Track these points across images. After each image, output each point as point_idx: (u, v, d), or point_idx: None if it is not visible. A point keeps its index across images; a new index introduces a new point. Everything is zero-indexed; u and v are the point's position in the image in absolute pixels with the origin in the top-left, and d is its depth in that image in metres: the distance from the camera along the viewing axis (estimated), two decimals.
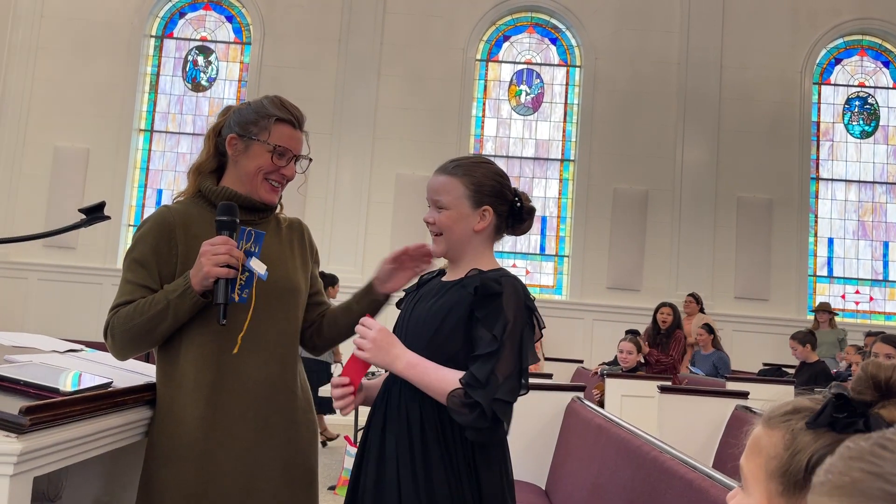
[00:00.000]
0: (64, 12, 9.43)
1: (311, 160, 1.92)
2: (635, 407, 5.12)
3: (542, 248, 9.45)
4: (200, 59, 9.70)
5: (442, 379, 1.57)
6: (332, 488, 5.09)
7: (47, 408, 1.30)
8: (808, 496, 0.69)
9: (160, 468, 1.70)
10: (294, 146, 1.85)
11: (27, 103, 9.28)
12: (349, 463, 5.14)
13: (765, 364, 8.07)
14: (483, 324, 1.59)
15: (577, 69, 9.68)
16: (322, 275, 8.06)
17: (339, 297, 8.15)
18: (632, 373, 5.95)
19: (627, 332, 6.86)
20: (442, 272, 1.86)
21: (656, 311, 7.05)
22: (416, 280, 1.93)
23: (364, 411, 6.68)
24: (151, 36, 9.65)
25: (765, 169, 9.31)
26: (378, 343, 1.60)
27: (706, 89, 9.35)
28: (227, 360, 1.73)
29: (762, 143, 9.34)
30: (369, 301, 1.95)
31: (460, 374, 1.56)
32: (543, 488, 3.51)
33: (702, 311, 8.43)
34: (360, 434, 6.55)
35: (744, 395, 4.24)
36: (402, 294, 1.92)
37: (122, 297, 1.75)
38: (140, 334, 1.70)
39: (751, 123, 9.36)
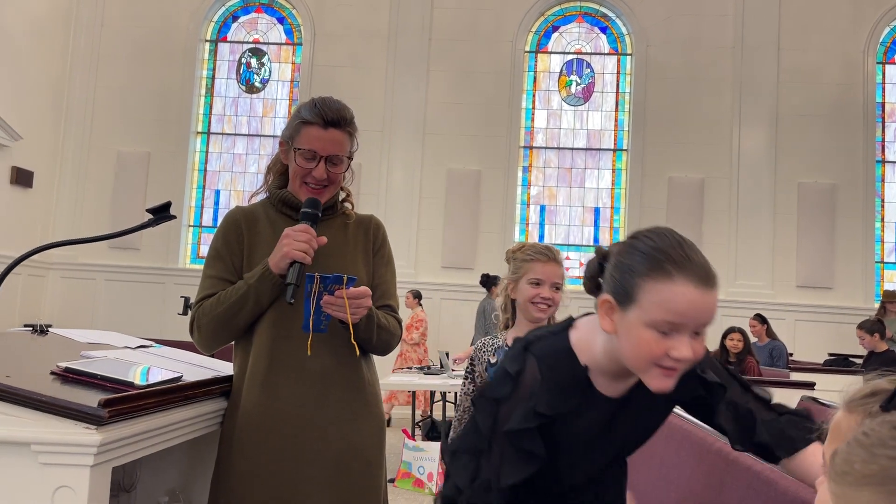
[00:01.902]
0: (123, 21, 9.74)
1: (350, 159, 1.89)
2: None
3: (596, 240, 9.34)
4: (254, 61, 9.90)
5: None
6: (392, 481, 5.14)
7: (124, 400, 1.35)
8: (829, 485, 0.67)
9: (224, 449, 1.80)
10: (320, 147, 1.82)
11: (91, 110, 9.62)
12: (407, 455, 5.19)
13: (830, 354, 7.83)
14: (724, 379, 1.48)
15: (629, 57, 9.53)
16: (486, 276, 8.43)
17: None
18: None
19: None
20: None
21: (725, 336, 6.65)
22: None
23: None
24: (206, 40, 9.88)
25: (827, 153, 9.00)
26: None
27: (763, 73, 9.09)
28: (279, 347, 1.79)
29: (823, 127, 9.04)
30: None
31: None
32: None
33: None
34: (417, 428, 6.61)
35: (810, 385, 4.13)
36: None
37: (203, 292, 1.83)
38: (224, 322, 1.78)
39: (811, 106, 9.07)
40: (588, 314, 1.42)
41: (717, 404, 1.44)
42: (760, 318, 7.53)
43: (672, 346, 1.21)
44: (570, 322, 1.41)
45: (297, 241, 1.72)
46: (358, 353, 1.79)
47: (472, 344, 7.15)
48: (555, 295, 2.36)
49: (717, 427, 1.47)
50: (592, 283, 1.36)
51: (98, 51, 9.69)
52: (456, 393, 6.76)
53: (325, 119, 1.82)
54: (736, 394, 1.46)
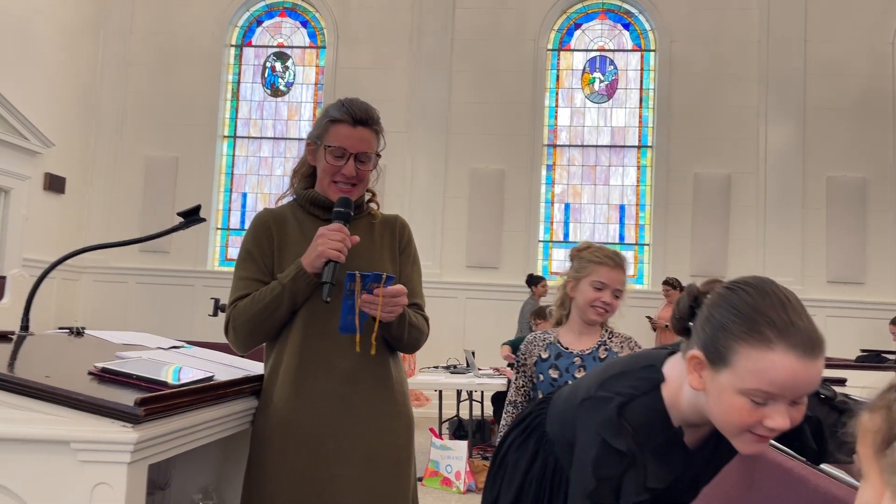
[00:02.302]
0: (150, 28, 9.89)
1: (378, 156, 1.92)
2: None
3: (622, 237, 9.29)
4: (278, 65, 9.99)
5: None
6: (420, 479, 5.17)
7: (158, 399, 1.38)
8: (886, 477, 0.67)
9: (255, 447, 1.82)
10: (350, 144, 1.85)
11: (120, 116, 9.79)
12: (434, 454, 5.21)
13: (863, 350, 7.70)
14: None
15: (652, 53, 9.46)
16: (531, 276, 8.88)
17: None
18: None
19: None
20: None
21: None
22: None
23: (449, 404, 6.64)
24: (231, 45, 10.00)
25: (856, 146, 8.87)
26: None
27: (790, 66, 8.98)
28: (309, 345, 1.81)
29: (852, 120, 8.90)
30: None
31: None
32: None
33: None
34: (444, 426, 6.63)
35: (841, 382, 4.07)
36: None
37: (237, 293, 1.85)
38: (259, 322, 1.80)
39: (839, 99, 8.93)
40: (672, 353, 1.33)
41: (802, 427, 1.30)
42: None
43: (767, 415, 1.10)
44: (660, 376, 1.30)
45: (331, 241, 1.74)
46: (373, 351, 1.79)
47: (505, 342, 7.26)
48: (614, 301, 2.35)
49: (801, 446, 1.36)
50: (681, 324, 1.26)
51: (126, 58, 9.85)
52: (483, 392, 6.78)
53: (354, 117, 1.86)
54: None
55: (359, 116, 1.86)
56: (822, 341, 1.12)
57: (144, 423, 1.33)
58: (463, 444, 5.23)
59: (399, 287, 1.75)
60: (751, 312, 1.12)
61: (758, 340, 1.09)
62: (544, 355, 2.43)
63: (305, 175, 1.98)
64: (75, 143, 9.51)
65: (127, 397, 1.34)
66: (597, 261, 2.36)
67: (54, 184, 9.10)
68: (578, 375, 2.33)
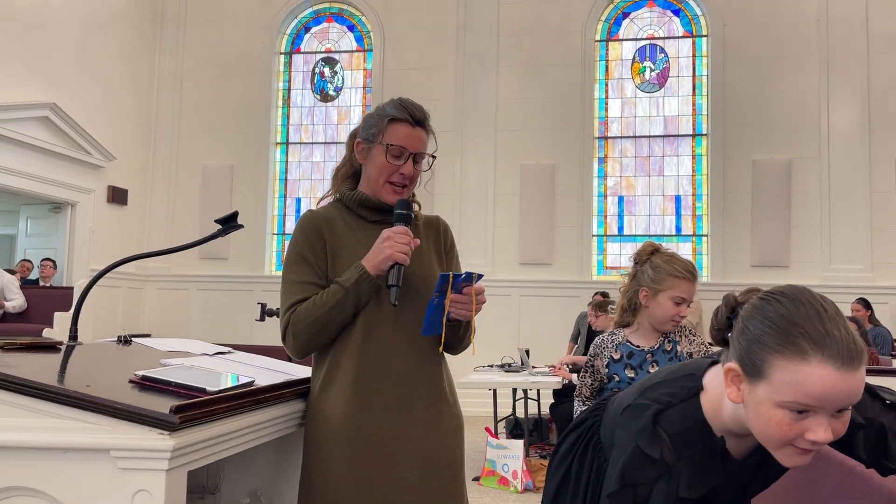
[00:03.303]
0: (202, 41, 10.14)
1: (434, 157, 1.90)
2: None
3: (679, 229, 9.08)
4: (327, 70, 10.11)
5: None
6: (477, 479, 5.15)
7: (195, 406, 1.39)
8: None
9: (311, 452, 1.80)
10: (410, 144, 1.83)
11: (177, 128, 10.07)
12: (491, 454, 5.18)
13: None
14: None
15: (704, 39, 9.21)
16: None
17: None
18: None
19: None
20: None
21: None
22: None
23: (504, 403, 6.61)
24: (281, 53, 10.17)
25: None
26: None
27: (851, 44, 8.61)
28: (368, 349, 1.79)
29: None
30: None
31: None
32: None
33: None
34: (500, 425, 6.59)
35: None
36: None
37: (292, 297, 1.81)
38: (322, 326, 1.77)
39: None
40: (715, 363, 1.30)
41: (853, 435, 1.27)
42: (864, 303, 7.13)
43: (808, 427, 1.08)
44: (699, 384, 1.28)
45: (398, 243, 1.73)
46: (474, 352, 1.84)
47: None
48: (686, 311, 2.42)
49: (851, 454, 1.34)
50: (720, 335, 1.26)
51: (181, 71, 10.13)
52: (539, 390, 6.71)
53: (413, 117, 1.85)
54: (866, 407, 1.28)
55: (417, 116, 1.86)
56: (861, 352, 1.07)
57: (181, 430, 1.34)
58: (519, 444, 5.18)
59: (481, 286, 1.76)
60: (785, 324, 1.09)
61: (793, 352, 1.07)
62: (616, 356, 2.47)
63: (347, 175, 1.96)
64: (136, 155, 9.83)
65: (164, 405, 1.35)
66: (678, 275, 2.37)
67: (117, 196, 9.43)
68: (653, 371, 2.37)
